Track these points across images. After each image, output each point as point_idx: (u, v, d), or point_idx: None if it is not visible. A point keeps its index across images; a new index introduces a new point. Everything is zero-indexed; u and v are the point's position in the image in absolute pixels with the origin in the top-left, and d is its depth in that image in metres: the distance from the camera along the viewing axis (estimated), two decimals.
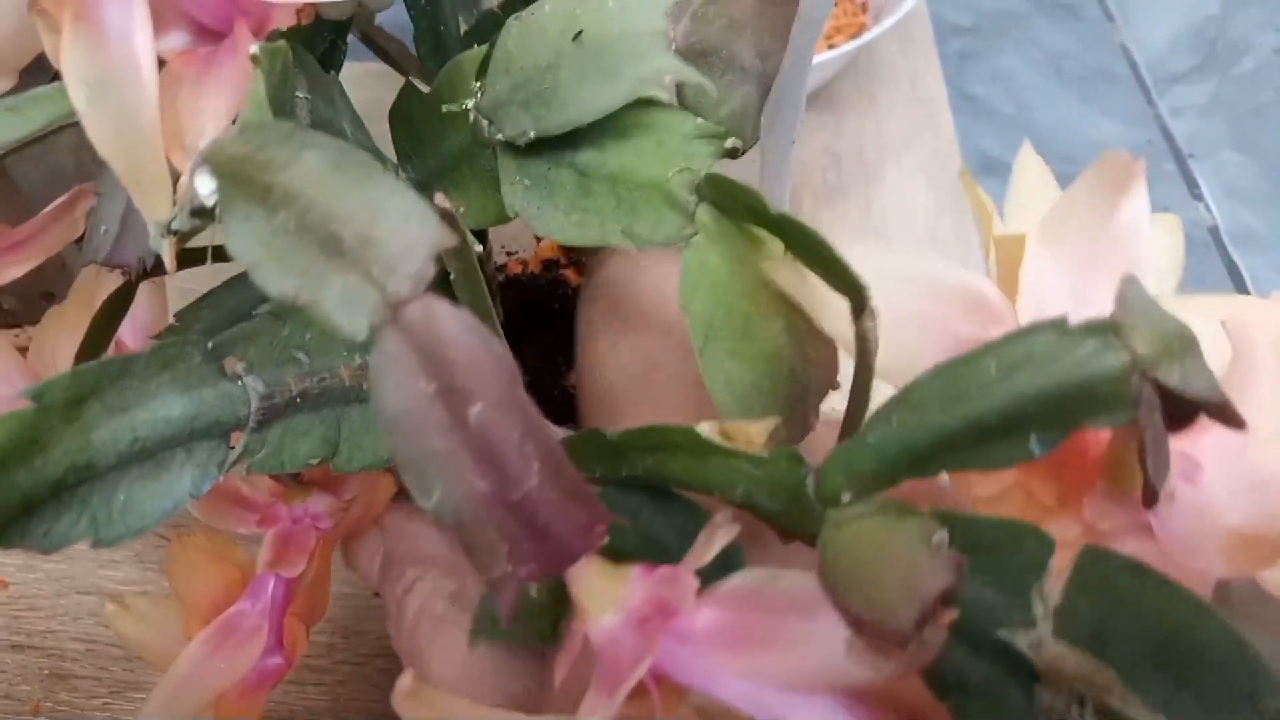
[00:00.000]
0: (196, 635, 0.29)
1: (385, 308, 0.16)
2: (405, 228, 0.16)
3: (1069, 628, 0.16)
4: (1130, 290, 0.16)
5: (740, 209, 0.21)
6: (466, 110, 0.25)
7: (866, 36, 0.59)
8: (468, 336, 0.16)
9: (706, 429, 0.19)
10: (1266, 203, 0.65)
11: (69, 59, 0.20)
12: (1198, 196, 0.65)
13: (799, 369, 0.23)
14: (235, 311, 0.31)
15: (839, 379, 0.24)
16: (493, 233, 0.36)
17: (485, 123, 0.24)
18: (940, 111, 0.65)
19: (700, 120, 0.23)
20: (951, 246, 0.57)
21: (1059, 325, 0.16)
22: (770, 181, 0.37)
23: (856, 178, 0.61)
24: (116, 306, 0.28)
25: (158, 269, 0.28)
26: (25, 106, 0.20)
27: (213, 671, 0.29)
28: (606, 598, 0.18)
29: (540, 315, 0.36)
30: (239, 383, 0.22)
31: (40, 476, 0.20)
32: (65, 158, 0.43)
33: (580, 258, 0.38)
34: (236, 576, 0.30)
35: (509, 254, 0.38)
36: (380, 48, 0.34)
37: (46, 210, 0.29)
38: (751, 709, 0.16)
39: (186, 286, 0.30)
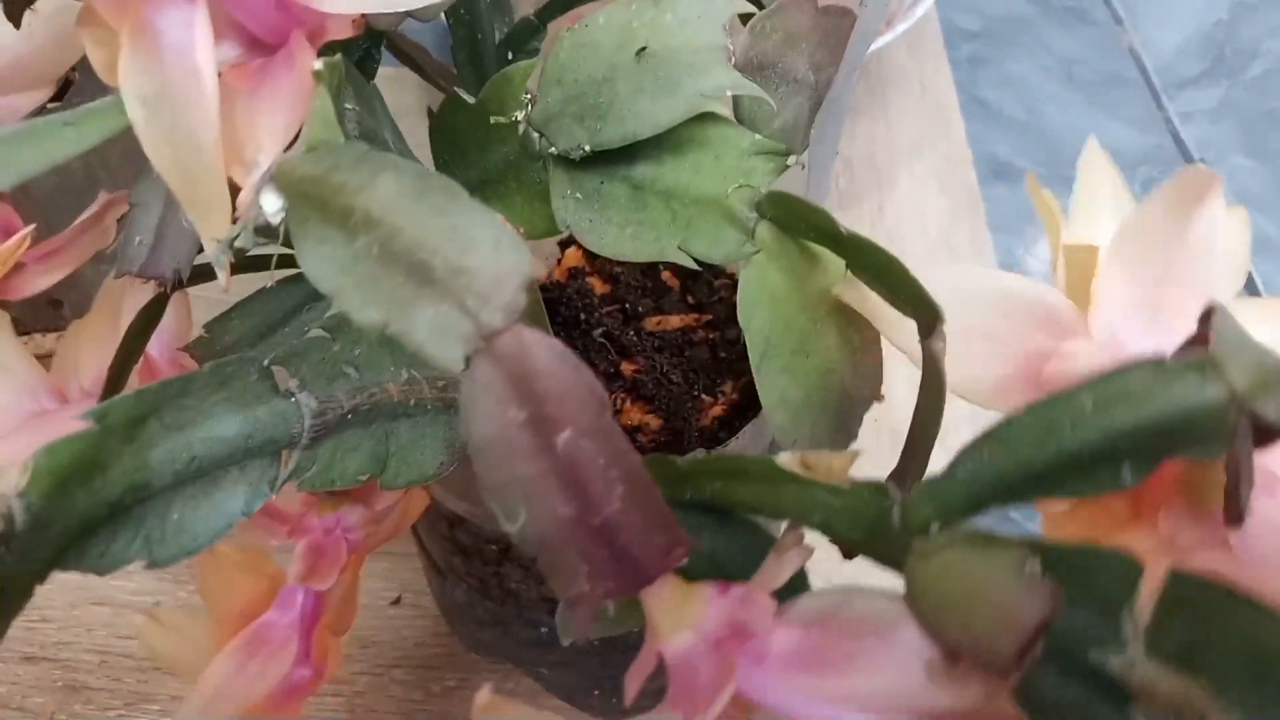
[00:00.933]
0: (226, 647, 0.28)
1: (479, 338, 0.16)
2: (497, 257, 0.16)
3: (1160, 649, 0.16)
4: (1222, 321, 0.16)
5: (804, 227, 0.21)
6: (515, 122, 0.24)
7: (879, 42, 0.59)
8: (559, 366, 0.16)
9: (786, 460, 0.19)
10: (1278, 207, 0.66)
11: (128, 73, 0.19)
12: None
13: (849, 382, 0.23)
14: (265, 322, 0.31)
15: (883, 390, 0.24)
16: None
17: (536, 135, 0.24)
18: (951, 116, 0.65)
19: (758, 136, 0.22)
20: (965, 251, 0.57)
21: (1157, 363, 0.16)
22: (814, 192, 0.36)
23: (869, 183, 0.61)
24: (149, 319, 0.28)
25: (192, 281, 0.28)
26: (82, 122, 0.20)
27: (243, 684, 0.29)
28: (682, 617, 0.18)
29: (567, 325, 0.36)
30: (293, 399, 0.22)
31: (99, 497, 0.19)
32: (75, 164, 0.42)
33: (605, 266, 0.37)
34: (267, 589, 0.30)
35: None
36: (404, 53, 0.34)
37: (78, 220, 0.28)
38: None
39: (199, 294, 0.30)
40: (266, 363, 0.22)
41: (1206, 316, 0.17)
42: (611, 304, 0.37)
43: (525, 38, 0.30)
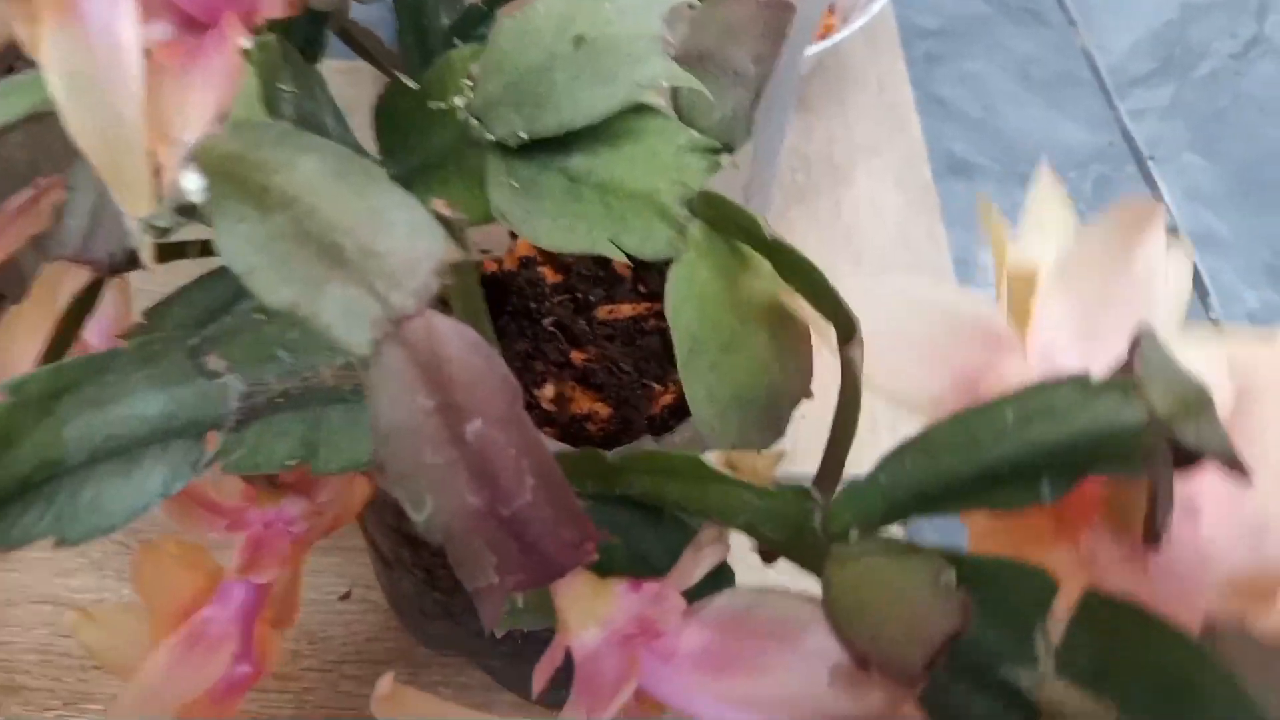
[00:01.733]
0: (163, 643, 0.28)
1: (387, 322, 0.15)
2: (411, 241, 0.16)
3: (1070, 667, 0.16)
4: (1148, 345, 0.16)
5: (733, 228, 0.21)
6: (455, 108, 0.24)
7: (834, 38, 0.59)
8: (469, 353, 0.16)
9: (712, 458, 0.19)
10: (1227, 205, 0.66)
11: (49, 50, 0.19)
12: (1158, 198, 0.66)
13: (777, 380, 0.23)
14: (208, 310, 0.30)
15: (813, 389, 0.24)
16: (470, 233, 0.35)
17: (475, 122, 0.23)
18: (908, 114, 0.65)
19: (694, 133, 0.22)
20: (923, 248, 0.58)
21: (1080, 380, 0.16)
22: (757, 184, 0.36)
23: (826, 180, 0.61)
24: (83, 304, 0.27)
25: (128, 265, 0.27)
26: (7, 93, 0.20)
27: (179, 680, 0.28)
28: (590, 613, 0.18)
29: (517, 314, 0.36)
30: (219, 380, 0.22)
31: (8, 472, 0.19)
32: (17, 153, 0.41)
33: (557, 256, 0.37)
34: (205, 583, 0.29)
35: (483, 252, 0.38)
36: (357, 42, 0.33)
37: (10, 204, 0.28)
38: None
39: (139, 288, 0.29)
40: (193, 343, 0.21)
41: (1135, 341, 0.17)
42: (563, 293, 0.37)
43: (474, 24, 0.30)
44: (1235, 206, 0.66)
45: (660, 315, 0.36)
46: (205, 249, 0.24)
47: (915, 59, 0.71)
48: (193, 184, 0.18)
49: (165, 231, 0.19)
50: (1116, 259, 0.19)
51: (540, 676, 0.18)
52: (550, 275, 0.37)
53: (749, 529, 0.19)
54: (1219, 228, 0.65)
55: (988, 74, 0.73)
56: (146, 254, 0.20)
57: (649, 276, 0.37)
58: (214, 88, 0.20)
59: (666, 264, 0.37)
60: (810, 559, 0.18)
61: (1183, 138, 0.70)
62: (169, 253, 0.27)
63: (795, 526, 0.18)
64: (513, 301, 0.36)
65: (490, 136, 0.23)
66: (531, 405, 0.34)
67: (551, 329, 0.36)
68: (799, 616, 0.17)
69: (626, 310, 0.36)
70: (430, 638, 0.41)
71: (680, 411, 0.34)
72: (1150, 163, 0.68)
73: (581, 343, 0.35)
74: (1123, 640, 0.15)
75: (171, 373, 0.21)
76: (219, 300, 0.30)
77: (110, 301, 0.30)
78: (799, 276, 0.20)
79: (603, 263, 0.37)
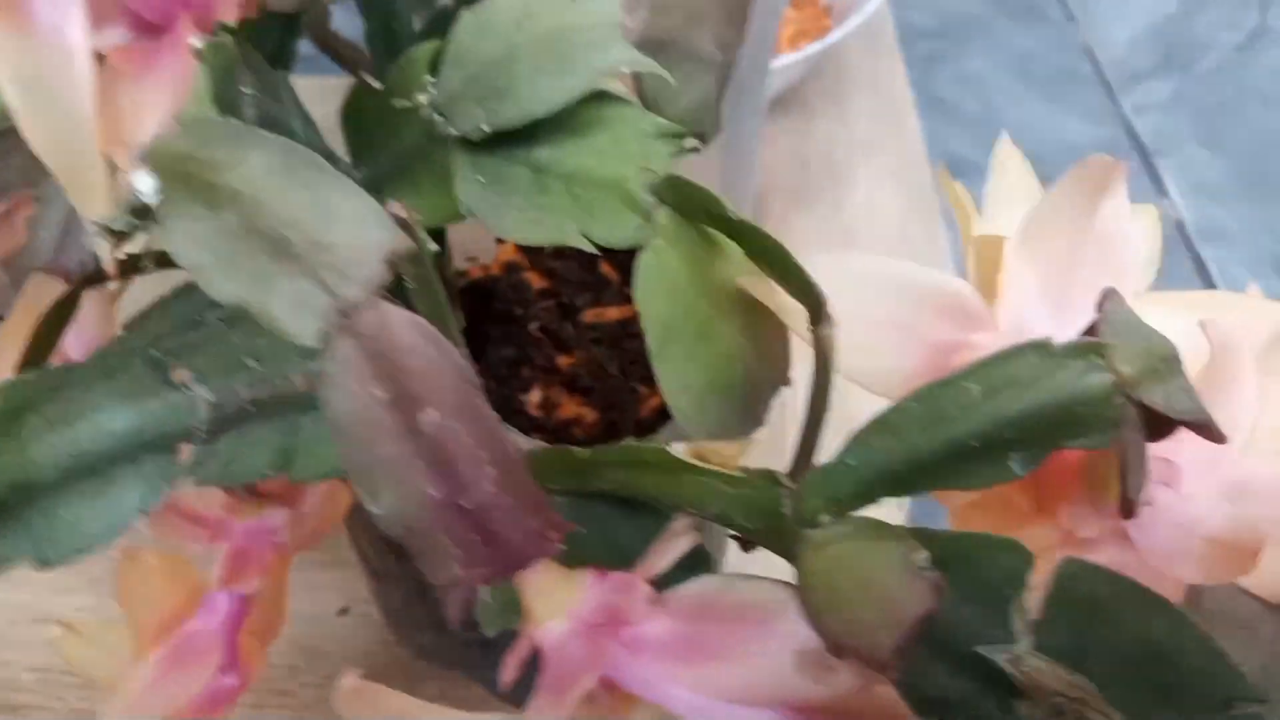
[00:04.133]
0: (146, 657, 0.28)
1: (336, 313, 0.15)
2: (358, 231, 0.16)
3: (1049, 640, 0.15)
4: (1113, 308, 0.15)
5: (698, 211, 0.21)
6: (418, 106, 0.24)
7: (830, 38, 0.59)
8: (422, 343, 0.16)
9: (680, 449, 0.18)
10: (1232, 197, 0.66)
11: (1, 55, 0.19)
12: (1163, 192, 0.66)
13: (754, 367, 0.23)
14: (185, 320, 0.30)
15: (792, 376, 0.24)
16: (454, 239, 0.35)
17: (439, 118, 0.23)
18: (907, 114, 0.65)
19: (659, 119, 0.22)
20: (922, 249, 0.57)
21: (1042, 347, 0.15)
22: (734, 176, 0.36)
23: (825, 181, 0.60)
24: (58, 316, 0.27)
25: (98, 276, 0.27)
26: None
27: (164, 692, 0.28)
28: (556, 604, 0.18)
29: (503, 320, 0.35)
30: (186, 392, 0.22)
31: None
32: None
33: (543, 262, 0.37)
34: (189, 595, 0.29)
35: (470, 259, 0.37)
36: (340, 55, 0.33)
37: None
38: None
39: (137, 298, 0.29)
40: (154, 355, 0.21)
41: (1101, 304, 0.16)
42: (549, 298, 0.36)
43: (445, 26, 0.29)
44: (1241, 199, 0.65)
45: None
46: (162, 259, 0.24)
47: (914, 59, 0.70)
48: (145, 185, 0.18)
49: (123, 236, 0.19)
50: (1079, 220, 0.19)
51: (508, 670, 0.18)
52: (536, 280, 0.37)
53: (721, 518, 0.19)
54: (1225, 220, 0.64)
55: (988, 72, 0.72)
56: (108, 260, 0.20)
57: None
58: (168, 90, 0.20)
59: None
60: (783, 546, 0.18)
61: (1186, 131, 0.69)
62: (129, 266, 0.27)
63: (767, 513, 0.18)
64: (496, 306, 0.36)
65: (454, 132, 0.23)
66: (518, 411, 0.34)
67: (538, 334, 0.35)
68: (770, 601, 0.16)
69: (613, 313, 0.36)
70: (424, 650, 0.41)
71: (668, 414, 0.33)
72: (1155, 157, 0.67)
73: (568, 347, 0.35)
74: (1101, 611, 0.15)
75: (136, 386, 0.21)
76: (196, 310, 0.30)
77: (92, 315, 0.30)
78: (767, 257, 0.19)
79: (589, 266, 0.37)
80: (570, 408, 0.34)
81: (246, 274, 0.16)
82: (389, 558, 0.34)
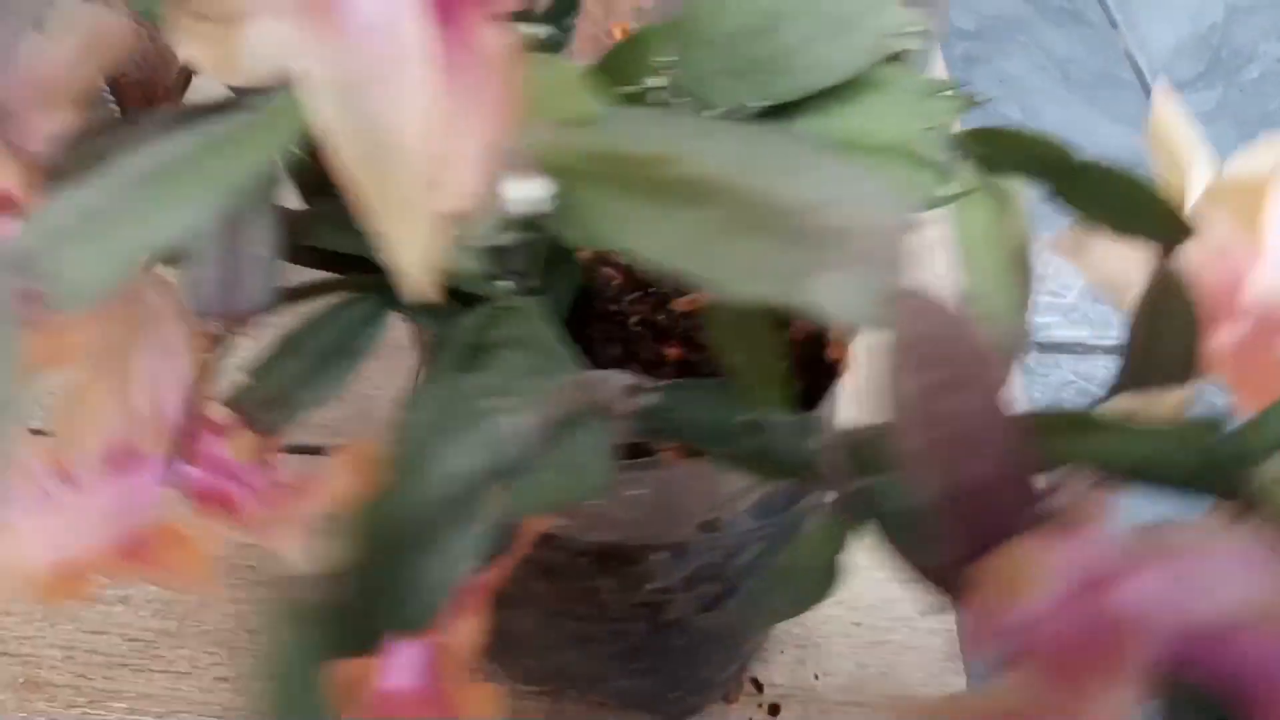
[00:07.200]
0: None
1: (884, 301, 0.14)
2: (876, 213, 0.15)
3: None
4: None
5: (1021, 160, 0.21)
6: (646, 90, 0.22)
7: None
8: (958, 327, 0.15)
9: (1111, 407, 0.18)
10: None
11: (305, 59, 0.16)
12: None
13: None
14: (320, 355, 0.27)
15: None
16: None
17: (686, 99, 0.22)
18: None
19: (927, 78, 0.22)
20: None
21: None
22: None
23: None
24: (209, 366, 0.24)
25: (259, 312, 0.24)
26: (268, 121, 0.17)
27: None
28: (1037, 573, 0.17)
29: (601, 318, 0.34)
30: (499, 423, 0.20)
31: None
32: None
33: (614, 256, 0.35)
34: None
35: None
36: None
37: None
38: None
39: None
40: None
41: None
42: (633, 290, 0.35)
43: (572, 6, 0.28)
44: None
45: None
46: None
47: (953, 60, 0.70)
48: (532, 193, 0.16)
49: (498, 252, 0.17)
50: None
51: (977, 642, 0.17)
52: (612, 275, 0.35)
53: (1137, 471, 0.19)
54: None
55: (1027, 75, 0.72)
56: (430, 290, 0.17)
57: None
58: (491, 90, 0.18)
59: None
60: (1223, 486, 0.18)
61: (1230, 141, 0.70)
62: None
63: (1202, 458, 0.18)
64: (595, 306, 0.34)
65: (710, 113, 0.22)
66: None
67: (637, 327, 0.34)
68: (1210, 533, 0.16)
69: (704, 300, 0.35)
70: (532, 674, 0.39)
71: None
72: None
73: (670, 336, 0.34)
74: None
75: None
76: (329, 343, 0.27)
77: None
78: (1116, 195, 0.20)
79: None
80: None
81: (767, 270, 0.14)
82: (536, 580, 0.32)
